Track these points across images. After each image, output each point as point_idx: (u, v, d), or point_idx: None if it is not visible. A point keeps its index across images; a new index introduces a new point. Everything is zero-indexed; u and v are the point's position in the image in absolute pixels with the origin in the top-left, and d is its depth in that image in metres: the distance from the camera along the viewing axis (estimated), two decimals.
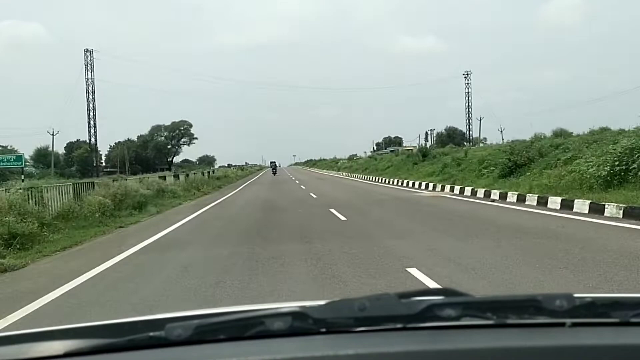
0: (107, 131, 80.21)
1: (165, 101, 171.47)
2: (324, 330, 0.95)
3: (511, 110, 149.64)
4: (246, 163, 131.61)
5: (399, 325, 0.94)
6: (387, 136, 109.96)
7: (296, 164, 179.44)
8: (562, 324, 0.94)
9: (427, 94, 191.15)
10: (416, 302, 0.95)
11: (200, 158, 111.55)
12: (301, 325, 0.94)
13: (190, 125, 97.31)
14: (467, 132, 65.64)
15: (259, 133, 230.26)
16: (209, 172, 43.89)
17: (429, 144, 69.00)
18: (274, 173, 74.05)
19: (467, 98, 64.83)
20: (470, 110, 64.62)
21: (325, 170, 77.13)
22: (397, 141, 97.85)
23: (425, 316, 0.93)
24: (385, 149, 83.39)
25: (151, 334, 0.97)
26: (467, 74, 64.78)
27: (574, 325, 0.94)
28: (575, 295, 0.96)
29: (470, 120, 64.62)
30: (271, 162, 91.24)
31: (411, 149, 56.26)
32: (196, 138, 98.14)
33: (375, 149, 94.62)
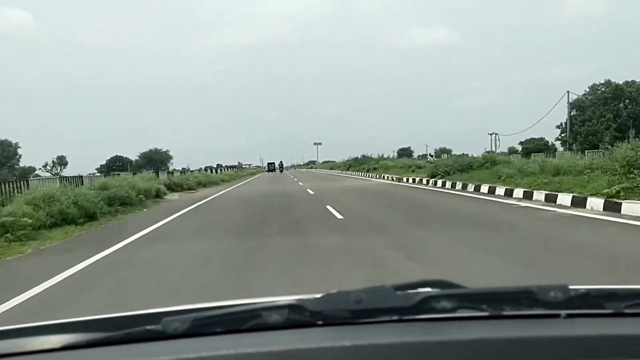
0: None
1: None
2: (320, 322, 0.95)
3: None
4: (239, 163, 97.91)
5: (395, 317, 0.94)
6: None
7: (314, 164, 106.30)
8: (557, 315, 0.95)
9: None
10: (412, 294, 0.96)
11: (143, 154, 72.19)
12: (297, 317, 0.95)
13: None
14: None
15: (259, 129, 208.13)
16: None
17: None
18: (275, 170, 66.30)
19: None
20: None
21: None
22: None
23: (421, 308, 0.94)
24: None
25: (148, 327, 0.97)
26: None
27: (569, 316, 0.95)
28: (570, 286, 0.96)
29: None
30: (269, 164, 79.93)
31: None
32: None
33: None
